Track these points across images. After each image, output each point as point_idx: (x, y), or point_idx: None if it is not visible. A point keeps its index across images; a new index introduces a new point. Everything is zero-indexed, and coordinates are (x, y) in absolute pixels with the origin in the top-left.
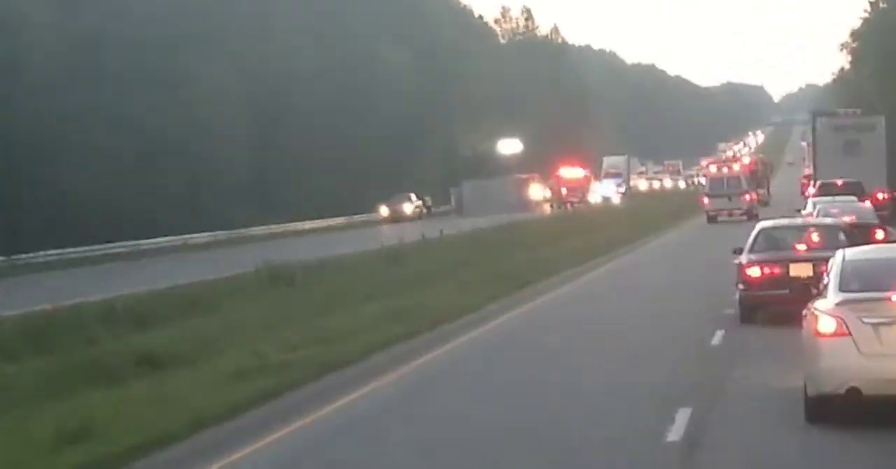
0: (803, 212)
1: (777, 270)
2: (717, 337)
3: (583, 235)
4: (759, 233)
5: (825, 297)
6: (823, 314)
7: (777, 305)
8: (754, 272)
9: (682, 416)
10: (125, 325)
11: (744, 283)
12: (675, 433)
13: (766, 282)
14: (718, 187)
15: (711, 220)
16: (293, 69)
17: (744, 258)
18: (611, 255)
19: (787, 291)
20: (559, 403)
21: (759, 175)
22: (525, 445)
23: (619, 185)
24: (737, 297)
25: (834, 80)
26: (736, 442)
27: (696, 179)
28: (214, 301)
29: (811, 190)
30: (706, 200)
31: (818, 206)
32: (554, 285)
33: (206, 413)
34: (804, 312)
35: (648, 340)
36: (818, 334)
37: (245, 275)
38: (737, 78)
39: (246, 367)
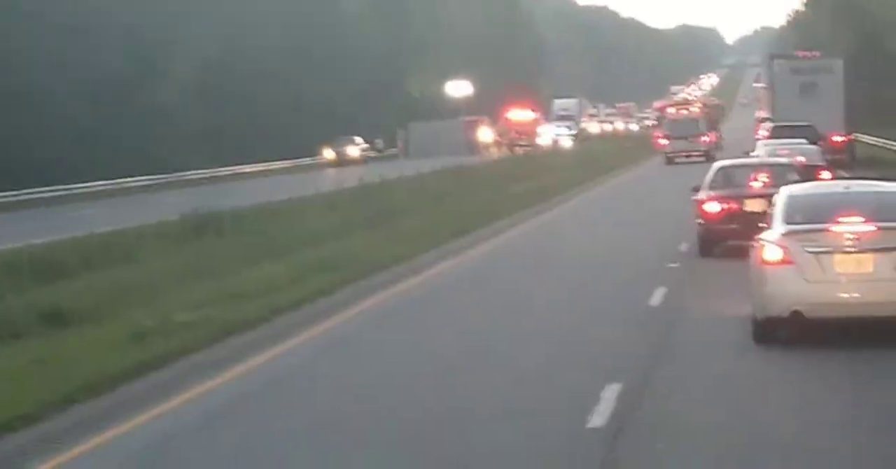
0: (751, 154)
1: (733, 206)
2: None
3: (531, 179)
4: (717, 171)
5: (771, 229)
6: (770, 244)
7: (732, 238)
8: (712, 207)
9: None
10: (32, 276)
11: (702, 218)
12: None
13: (723, 217)
14: (678, 129)
15: (670, 161)
16: (244, 12)
17: (702, 195)
18: (559, 199)
19: (740, 226)
20: (482, 375)
21: (711, 118)
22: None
23: (569, 128)
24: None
25: (789, 23)
26: (690, 358)
27: (648, 122)
28: (133, 251)
29: (762, 133)
30: (665, 142)
31: (767, 148)
32: (494, 233)
33: (91, 379)
34: (751, 243)
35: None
36: (765, 263)
37: (171, 222)
38: (691, 20)
39: (147, 326)
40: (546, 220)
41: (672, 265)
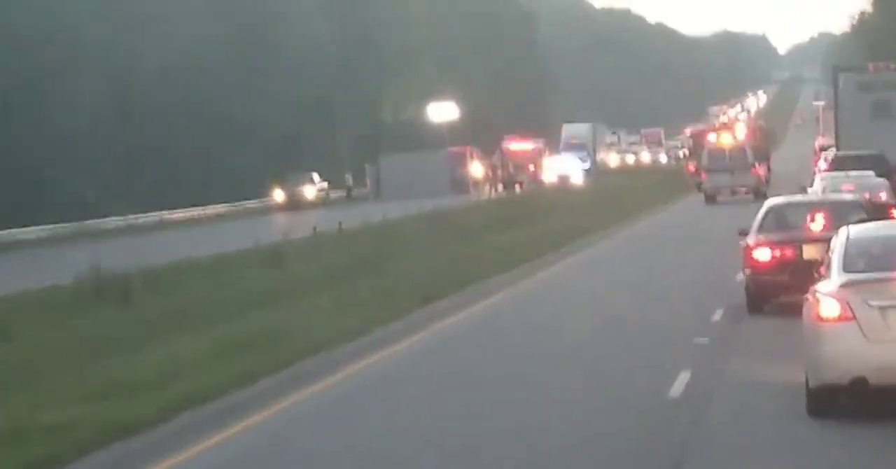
0: (810, 190)
1: (788, 252)
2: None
3: (528, 226)
4: (768, 211)
5: (828, 278)
6: (826, 297)
7: (787, 292)
8: (763, 255)
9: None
10: None
11: (751, 267)
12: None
13: (775, 266)
14: (719, 160)
15: (710, 199)
16: (156, 13)
17: (751, 239)
18: (562, 252)
19: (795, 276)
20: None
21: (760, 146)
22: None
23: (582, 160)
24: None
25: (853, 27)
26: (732, 436)
27: (680, 152)
28: (12, 325)
29: (822, 164)
30: (704, 176)
31: (827, 183)
32: (466, 302)
33: None
34: (806, 296)
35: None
36: (820, 319)
37: (62, 287)
38: (733, 26)
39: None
40: (539, 281)
41: (700, 341)
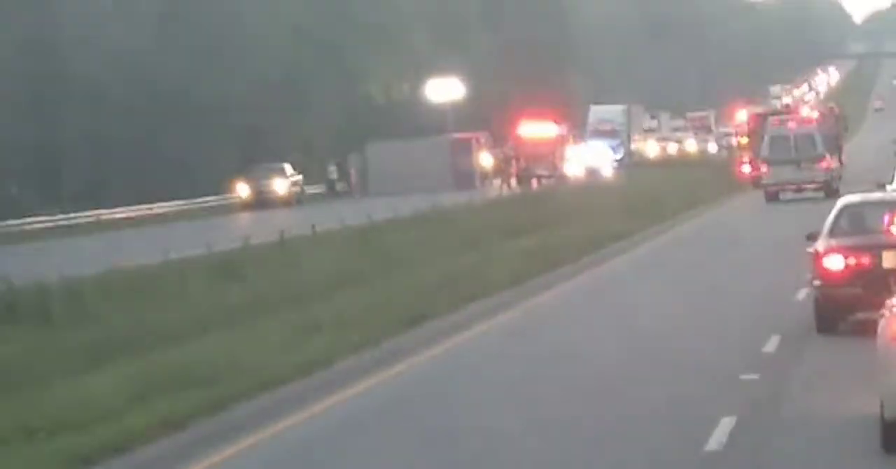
0: (889, 186)
1: (865, 260)
2: None
3: (546, 230)
4: (841, 210)
5: None
6: None
7: (863, 307)
8: (835, 263)
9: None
10: None
11: (821, 278)
12: None
13: (850, 276)
14: (782, 149)
15: (771, 196)
16: None
17: (820, 245)
18: (584, 263)
19: (874, 289)
20: None
21: (831, 134)
22: None
23: (614, 150)
24: (809, 297)
25: None
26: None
27: (732, 140)
28: None
29: None
30: (764, 168)
31: None
32: (461, 325)
33: None
34: (882, 312)
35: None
36: None
37: None
38: None
39: None
40: (552, 299)
41: (749, 377)
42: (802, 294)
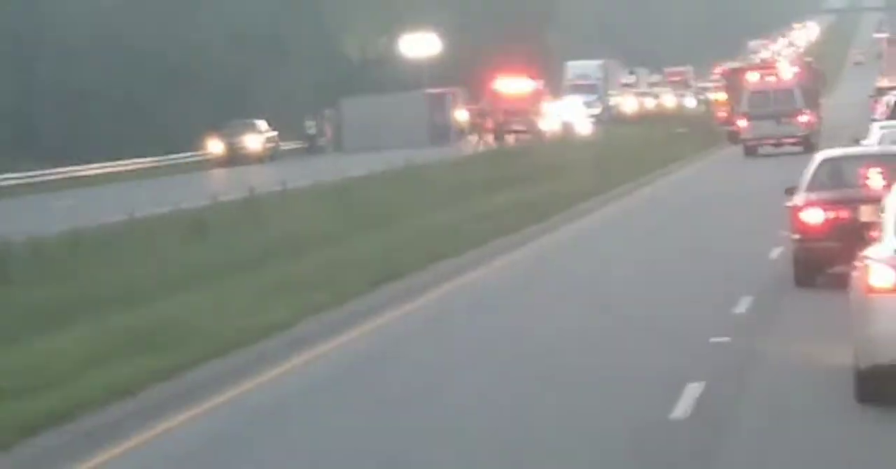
0: (864, 142)
1: (843, 214)
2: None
3: (522, 186)
4: (820, 165)
5: (882, 243)
6: (878, 264)
7: (840, 261)
8: (813, 217)
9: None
10: None
11: (799, 231)
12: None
13: (829, 230)
14: (761, 104)
15: (750, 150)
16: None
17: (799, 199)
18: (555, 221)
19: (851, 242)
20: None
21: (810, 88)
22: None
23: (590, 105)
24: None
25: None
26: (772, 426)
27: (710, 95)
28: None
29: (881, 109)
30: (744, 123)
31: (884, 132)
32: (440, 278)
33: None
34: (854, 264)
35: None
36: (871, 291)
37: None
38: None
39: None
40: (520, 259)
41: (719, 340)
42: (777, 252)
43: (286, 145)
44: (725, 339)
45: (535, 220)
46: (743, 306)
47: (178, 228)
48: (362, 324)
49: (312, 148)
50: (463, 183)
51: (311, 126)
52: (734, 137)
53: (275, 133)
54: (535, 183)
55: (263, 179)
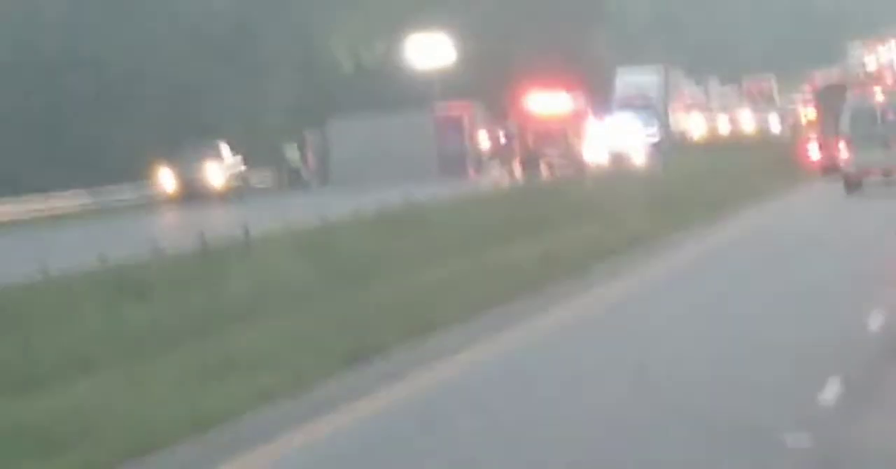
0: None
1: None
2: None
3: (549, 232)
4: None
5: None
6: None
7: None
8: None
9: None
10: None
11: None
12: None
13: None
14: (866, 126)
15: (852, 185)
16: None
17: None
18: (587, 278)
19: None
20: None
21: None
22: None
23: (646, 124)
24: None
25: None
26: None
27: (800, 112)
28: None
29: None
30: (844, 150)
31: None
32: (412, 363)
33: None
34: None
35: None
36: None
37: None
38: None
39: None
40: (535, 330)
41: (796, 440)
42: (878, 321)
43: (262, 176)
44: (804, 438)
45: (553, 275)
46: (830, 392)
47: (104, 289)
48: (324, 417)
49: (295, 181)
50: (473, 228)
51: (292, 153)
52: (827, 168)
53: (239, 160)
54: (568, 228)
55: (224, 222)
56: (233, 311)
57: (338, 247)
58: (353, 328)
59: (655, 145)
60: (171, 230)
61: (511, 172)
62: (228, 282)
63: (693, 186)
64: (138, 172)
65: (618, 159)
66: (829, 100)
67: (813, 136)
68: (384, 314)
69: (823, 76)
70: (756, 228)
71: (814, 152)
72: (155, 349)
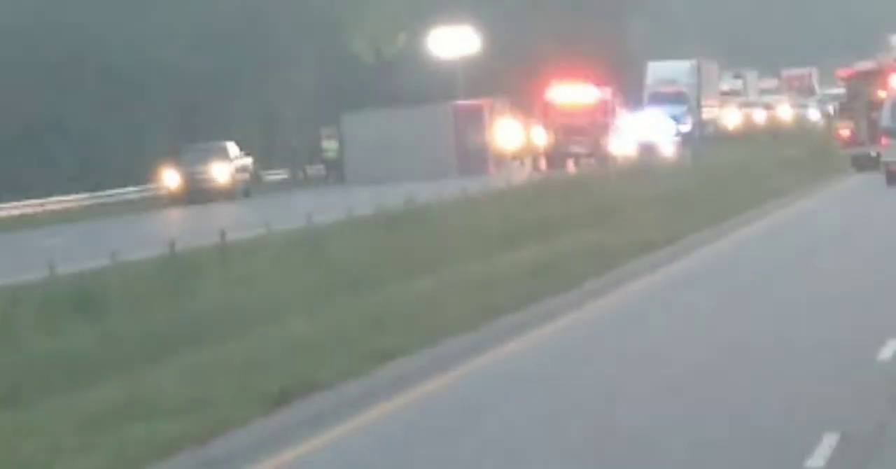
0: None
1: None
2: None
3: (560, 234)
4: None
5: None
6: None
7: None
8: None
9: None
10: None
11: None
12: None
13: None
14: None
15: (893, 178)
16: None
17: None
18: (592, 287)
19: None
20: None
21: None
22: None
23: (678, 120)
24: None
25: None
26: None
27: (832, 106)
28: None
29: None
30: (883, 142)
31: None
32: (356, 403)
33: None
34: None
35: None
36: None
37: None
38: None
39: None
40: (517, 352)
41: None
42: (891, 349)
43: (273, 175)
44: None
45: (557, 287)
46: (827, 446)
47: (59, 302)
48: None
49: (332, 175)
50: (482, 229)
51: (330, 145)
52: (861, 162)
53: (248, 160)
54: (582, 229)
55: (217, 224)
56: (179, 333)
57: (330, 252)
58: (294, 358)
59: (686, 137)
60: (159, 232)
61: (537, 167)
62: (193, 296)
63: (725, 183)
64: (144, 173)
65: (647, 151)
66: (861, 86)
67: (845, 128)
68: (342, 336)
69: (858, 67)
70: (771, 229)
71: (844, 133)
72: (76, 380)
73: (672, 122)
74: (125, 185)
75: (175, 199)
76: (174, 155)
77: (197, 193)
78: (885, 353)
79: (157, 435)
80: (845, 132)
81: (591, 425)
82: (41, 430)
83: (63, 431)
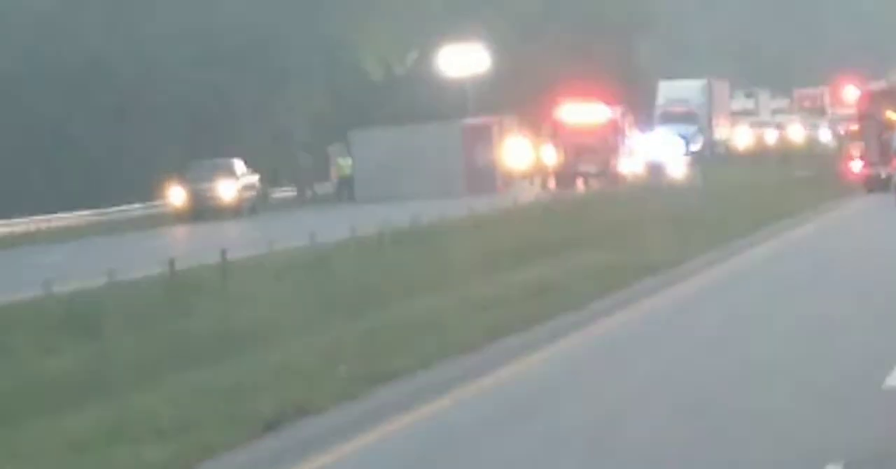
0: None
1: None
2: None
3: (562, 256)
4: None
5: None
6: None
7: None
8: None
9: None
10: None
11: None
12: None
13: None
14: None
15: None
16: None
17: None
18: (581, 314)
19: None
20: None
21: None
22: None
23: (688, 140)
24: None
25: None
26: None
27: (845, 127)
28: None
29: None
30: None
31: None
32: (343, 431)
33: None
34: None
35: None
36: None
37: None
38: None
39: None
40: (513, 381)
41: None
42: None
43: (281, 192)
44: None
45: (553, 311)
46: None
47: (51, 322)
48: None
49: (345, 193)
50: (487, 250)
51: (345, 162)
52: (872, 184)
53: (255, 177)
54: (584, 250)
55: (222, 242)
56: (168, 355)
57: (332, 273)
58: (286, 383)
59: (696, 157)
60: (160, 250)
61: (546, 186)
62: (190, 317)
63: (730, 204)
64: (150, 190)
65: (657, 171)
66: (872, 107)
67: (856, 149)
68: (322, 364)
69: (870, 87)
70: (775, 254)
71: (856, 166)
72: (62, 404)
73: (682, 142)
74: (131, 202)
75: (180, 216)
76: (181, 171)
77: (203, 210)
78: (893, 380)
79: (141, 460)
80: (855, 154)
81: (589, 453)
82: (23, 452)
83: (46, 454)
